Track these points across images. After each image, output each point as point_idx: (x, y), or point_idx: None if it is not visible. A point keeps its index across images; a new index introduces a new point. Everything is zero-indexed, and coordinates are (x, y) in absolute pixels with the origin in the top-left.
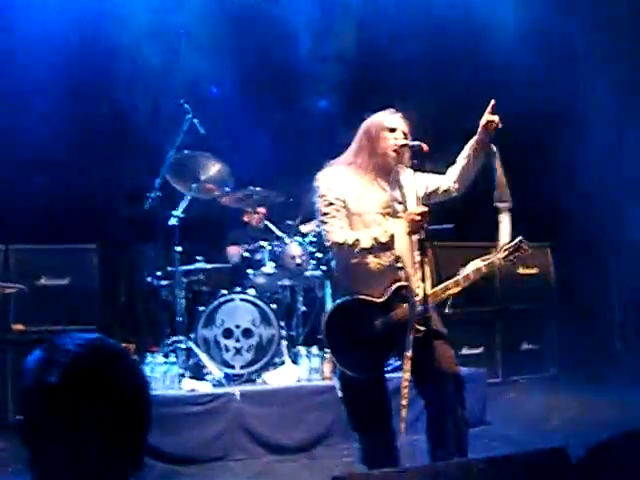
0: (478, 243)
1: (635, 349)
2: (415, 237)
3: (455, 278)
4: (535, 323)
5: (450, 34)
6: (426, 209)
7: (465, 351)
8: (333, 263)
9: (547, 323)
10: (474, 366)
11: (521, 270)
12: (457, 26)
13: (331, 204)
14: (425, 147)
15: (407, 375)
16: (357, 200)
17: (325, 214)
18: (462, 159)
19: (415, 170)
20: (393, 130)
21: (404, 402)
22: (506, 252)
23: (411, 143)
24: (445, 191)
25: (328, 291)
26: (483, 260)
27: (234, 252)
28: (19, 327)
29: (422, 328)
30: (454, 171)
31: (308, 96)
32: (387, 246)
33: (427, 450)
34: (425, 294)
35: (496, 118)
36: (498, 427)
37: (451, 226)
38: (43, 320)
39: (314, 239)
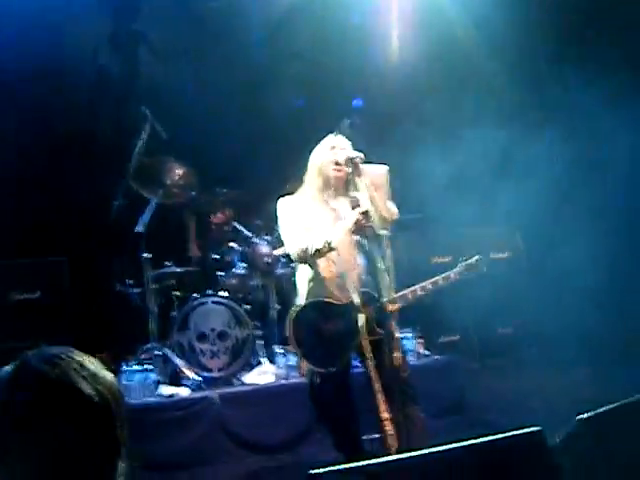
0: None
1: (609, 325)
2: (355, 238)
3: (412, 288)
4: (509, 306)
5: None
6: (367, 209)
7: (442, 339)
8: (297, 274)
9: (521, 305)
10: (451, 354)
11: (492, 255)
12: None
13: (288, 221)
14: (359, 159)
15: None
16: (309, 219)
17: (284, 230)
18: None
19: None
20: (332, 148)
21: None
22: (462, 268)
23: (350, 155)
24: None
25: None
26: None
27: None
28: None
29: (380, 331)
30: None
31: (272, 95)
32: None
33: None
34: (383, 302)
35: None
36: (477, 413)
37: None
38: (15, 335)
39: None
